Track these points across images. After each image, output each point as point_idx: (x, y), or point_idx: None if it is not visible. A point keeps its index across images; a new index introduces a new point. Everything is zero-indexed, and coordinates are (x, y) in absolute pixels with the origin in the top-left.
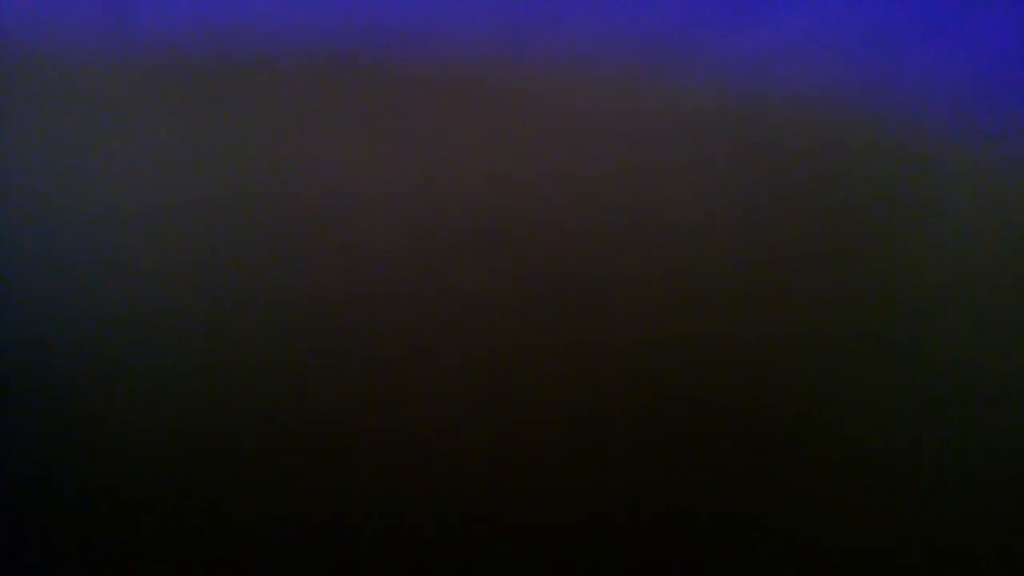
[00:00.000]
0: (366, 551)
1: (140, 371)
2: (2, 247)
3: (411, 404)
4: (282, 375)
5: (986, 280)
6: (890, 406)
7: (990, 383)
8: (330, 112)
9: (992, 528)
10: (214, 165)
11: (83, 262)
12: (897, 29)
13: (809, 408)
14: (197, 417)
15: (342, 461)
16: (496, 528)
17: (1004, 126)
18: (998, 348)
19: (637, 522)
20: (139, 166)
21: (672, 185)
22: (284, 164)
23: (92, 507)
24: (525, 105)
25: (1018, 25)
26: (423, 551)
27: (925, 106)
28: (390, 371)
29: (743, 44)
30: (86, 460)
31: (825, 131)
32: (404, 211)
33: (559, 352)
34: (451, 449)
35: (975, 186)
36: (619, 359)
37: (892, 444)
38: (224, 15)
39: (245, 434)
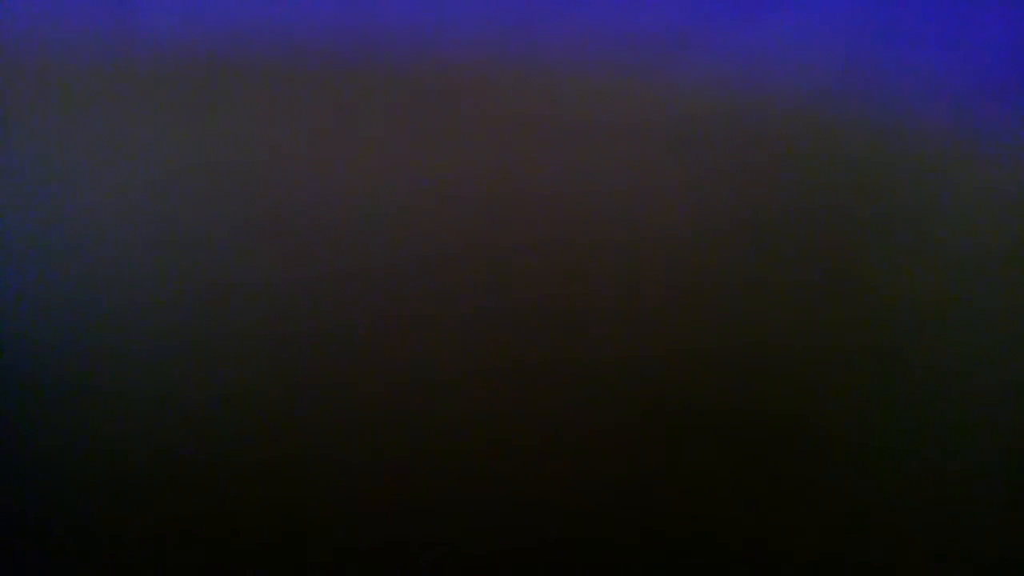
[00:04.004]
0: (364, 562)
1: (140, 371)
2: (2, 247)
3: (410, 408)
4: (282, 375)
5: (986, 282)
6: (890, 412)
7: (991, 386)
8: (330, 112)
9: (992, 534)
10: (214, 165)
11: (83, 262)
12: (897, 29)
13: (809, 415)
14: (197, 418)
15: (340, 465)
16: (494, 541)
17: (1004, 126)
18: (999, 351)
19: (635, 533)
20: (139, 166)
21: (672, 186)
22: (284, 164)
23: (92, 507)
24: (524, 106)
25: (1018, 25)
26: (419, 564)
27: (925, 106)
28: (386, 374)
29: (743, 44)
30: (86, 459)
31: (824, 132)
32: (403, 211)
33: (557, 358)
34: (451, 456)
35: (975, 186)
36: (616, 367)
37: (892, 450)
38: (224, 15)
39: (246, 436)
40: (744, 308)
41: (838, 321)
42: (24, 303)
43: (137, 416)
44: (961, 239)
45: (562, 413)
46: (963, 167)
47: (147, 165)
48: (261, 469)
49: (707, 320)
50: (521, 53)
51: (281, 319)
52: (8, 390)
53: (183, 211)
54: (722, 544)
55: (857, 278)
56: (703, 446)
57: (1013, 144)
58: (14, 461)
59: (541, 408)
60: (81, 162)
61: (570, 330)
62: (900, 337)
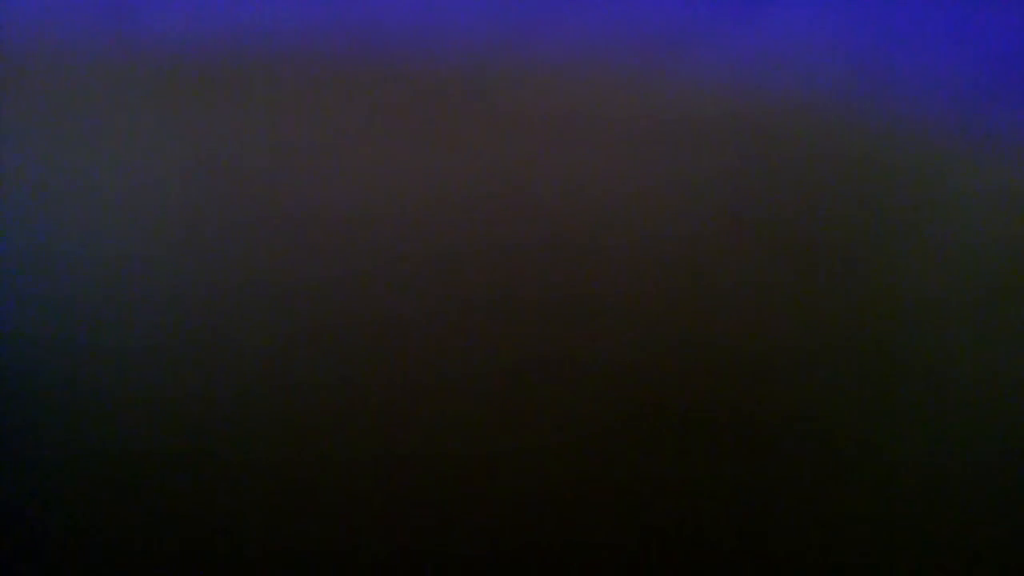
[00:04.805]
0: (365, 562)
1: (140, 371)
2: (2, 247)
3: (410, 408)
4: (282, 376)
5: (987, 282)
6: (889, 411)
7: (990, 386)
8: (330, 112)
9: (992, 534)
10: (215, 165)
11: (83, 261)
12: (897, 29)
13: (809, 414)
14: (198, 418)
15: (341, 465)
16: (493, 541)
17: (1004, 126)
18: (998, 351)
19: (634, 532)
20: (139, 166)
21: (672, 186)
22: (284, 165)
23: (92, 507)
24: (525, 106)
25: (1018, 25)
26: (419, 563)
27: (925, 106)
28: (387, 373)
29: (743, 44)
30: (86, 459)
31: (825, 132)
32: (403, 211)
33: (556, 358)
34: (449, 459)
35: (975, 186)
36: (617, 367)
37: (892, 450)
38: (224, 16)
39: (249, 436)
40: (744, 308)
41: (838, 321)
42: (24, 303)
43: (138, 416)
44: (961, 239)
45: (561, 413)
46: (964, 167)
47: (147, 165)
48: (264, 469)
49: (707, 320)
50: (521, 53)
51: (279, 319)
52: (8, 390)
53: (183, 211)
54: (722, 544)
55: (857, 278)
56: (702, 446)
57: (1013, 144)
58: (14, 461)
59: (540, 408)
60: (81, 163)
61: (570, 329)
62: (900, 337)
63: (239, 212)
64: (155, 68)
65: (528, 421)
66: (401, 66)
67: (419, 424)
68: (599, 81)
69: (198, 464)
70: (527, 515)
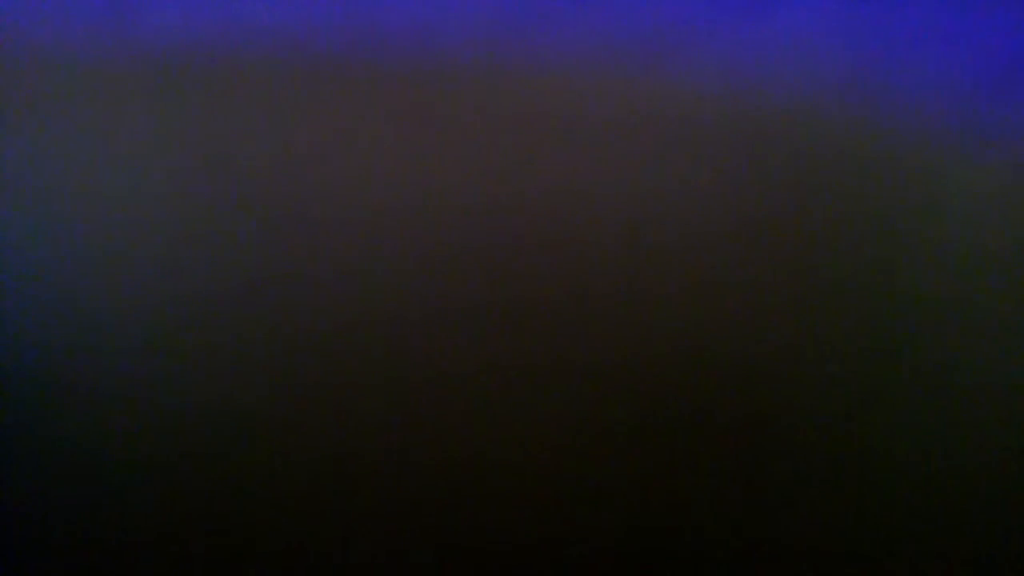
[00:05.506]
0: (364, 561)
1: (139, 371)
2: (2, 247)
3: (406, 407)
4: (280, 375)
5: (986, 282)
6: (890, 412)
7: (991, 386)
8: (329, 112)
9: (992, 534)
10: (214, 164)
11: (83, 261)
12: (897, 29)
13: (809, 415)
14: (196, 417)
15: (336, 459)
16: (494, 543)
17: (1004, 127)
18: (999, 351)
19: (637, 534)
20: (139, 166)
21: (671, 186)
22: (283, 164)
23: (92, 507)
24: (524, 106)
25: (1019, 26)
26: (417, 564)
27: (925, 106)
28: (386, 373)
29: (743, 44)
30: (86, 460)
31: (825, 131)
32: (403, 210)
33: (556, 358)
34: (447, 459)
35: (975, 186)
36: (616, 367)
37: (892, 450)
38: (224, 15)
39: (244, 434)
40: (744, 308)
41: (838, 321)
42: (24, 303)
43: (138, 416)
44: (961, 239)
45: (561, 413)
46: (964, 167)
47: (147, 164)
48: (263, 468)
49: (707, 320)
50: (521, 53)
51: (278, 318)
52: (8, 390)
53: (183, 210)
54: (721, 545)
55: (857, 278)
56: (702, 447)
57: (1013, 144)
58: (14, 461)
59: (540, 408)
60: (81, 162)
61: (570, 330)
62: (900, 337)
63: (239, 211)
64: (155, 67)
65: (527, 421)
66: (401, 66)
67: (418, 424)
68: (599, 81)
69: (197, 463)
70: (527, 515)
